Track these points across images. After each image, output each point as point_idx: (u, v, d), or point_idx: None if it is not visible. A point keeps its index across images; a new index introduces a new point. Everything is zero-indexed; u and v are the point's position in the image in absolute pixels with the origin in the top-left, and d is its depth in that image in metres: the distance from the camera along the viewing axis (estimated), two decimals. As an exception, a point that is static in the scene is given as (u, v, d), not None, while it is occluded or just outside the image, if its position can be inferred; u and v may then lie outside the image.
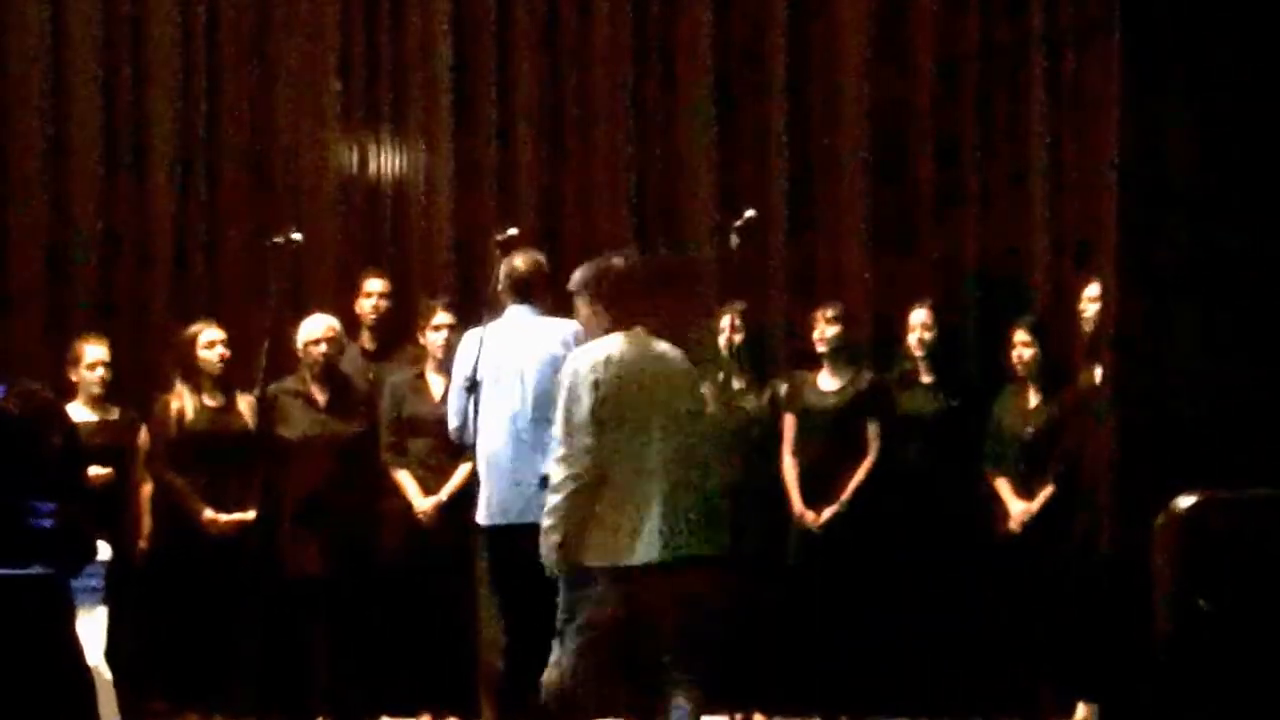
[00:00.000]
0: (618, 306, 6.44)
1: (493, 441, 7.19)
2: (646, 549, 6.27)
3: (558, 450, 6.34)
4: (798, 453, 8.21)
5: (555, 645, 6.40)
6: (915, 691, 8.05)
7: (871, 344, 8.60)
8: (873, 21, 8.94)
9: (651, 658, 6.38)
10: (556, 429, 6.37)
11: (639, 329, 6.45)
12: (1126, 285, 6.13)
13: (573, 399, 6.29)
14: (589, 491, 6.26)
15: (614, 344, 6.36)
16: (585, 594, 6.31)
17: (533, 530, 6.82)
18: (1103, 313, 7.81)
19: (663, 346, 6.49)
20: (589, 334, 6.54)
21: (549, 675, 6.38)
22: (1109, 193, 6.16)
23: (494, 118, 9.20)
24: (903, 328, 8.37)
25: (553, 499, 6.31)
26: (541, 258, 7.45)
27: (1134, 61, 6.00)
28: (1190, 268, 5.91)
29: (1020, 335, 8.14)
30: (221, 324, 8.39)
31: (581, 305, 6.54)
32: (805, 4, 9.07)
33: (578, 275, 6.55)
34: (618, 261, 6.62)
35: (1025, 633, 7.94)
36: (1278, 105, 5.91)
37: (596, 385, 6.27)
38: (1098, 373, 7.84)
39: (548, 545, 6.31)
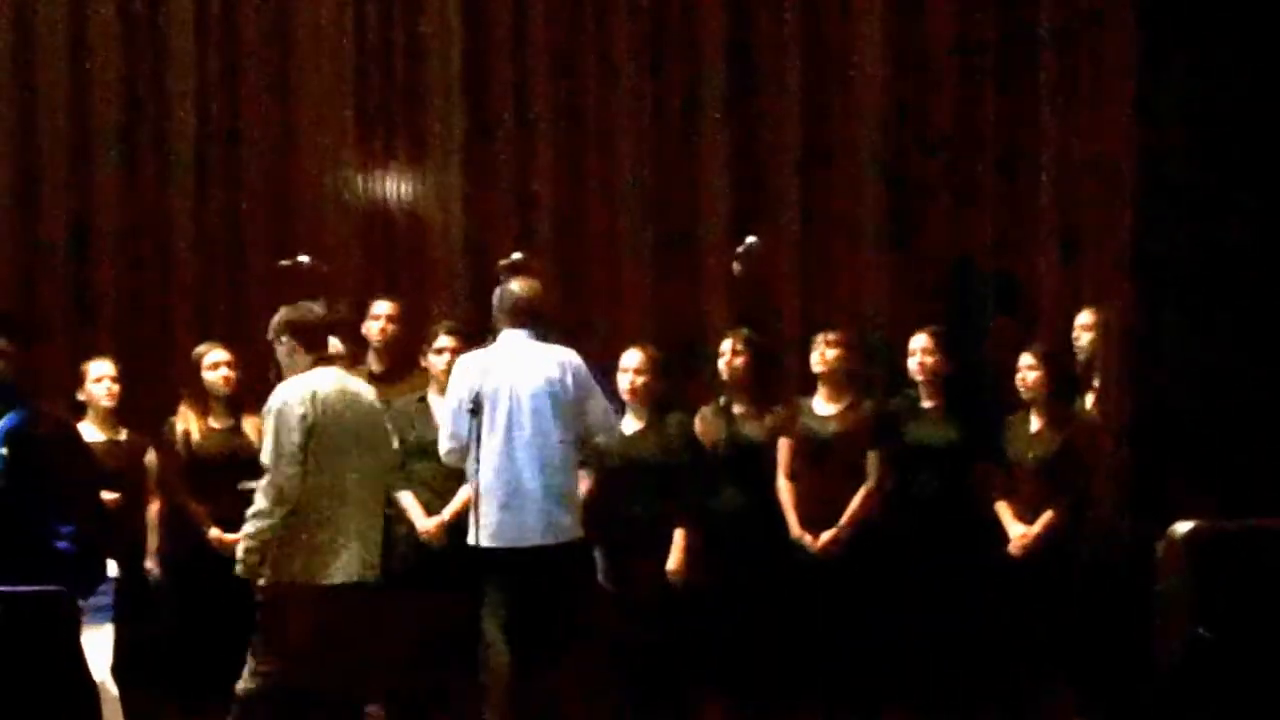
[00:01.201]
0: (317, 348, 7.15)
1: (488, 465, 7.30)
2: (345, 569, 7.00)
3: (265, 476, 6.99)
4: (796, 477, 8.19)
5: (250, 658, 7.06)
6: (916, 708, 8.08)
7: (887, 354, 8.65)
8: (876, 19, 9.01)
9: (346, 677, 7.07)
10: (265, 456, 7.02)
11: (337, 368, 7.24)
12: (1139, 288, 6.20)
13: (282, 430, 6.96)
14: (290, 515, 6.95)
15: (319, 380, 7.08)
16: (282, 612, 6.98)
17: (530, 552, 7.09)
18: (1097, 338, 7.87)
19: (357, 384, 7.31)
20: (286, 372, 7.23)
21: (243, 686, 7.07)
22: (1102, 188, 6.21)
23: (509, 142, 9.29)
24: (904, 352, 8.34)
25: (257, 523, 7.00)
26: (539, 284, 7.58)
27: (1142, 57, 6.05)
28: (1200, 269, 5.97)
29: (1026, 359, 8.11)
30: (236, 346, 8.45)
31: (280, 347, 7.24)
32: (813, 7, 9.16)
33: (276, 319, 7.28)
34: (315, 308, 7.40)
35: (1028, 654, 7.95)
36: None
37: (304, 418, 6.96)
38: (1089, 399, 7.92)
39: (246, 564, 7.03)
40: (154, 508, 8.28)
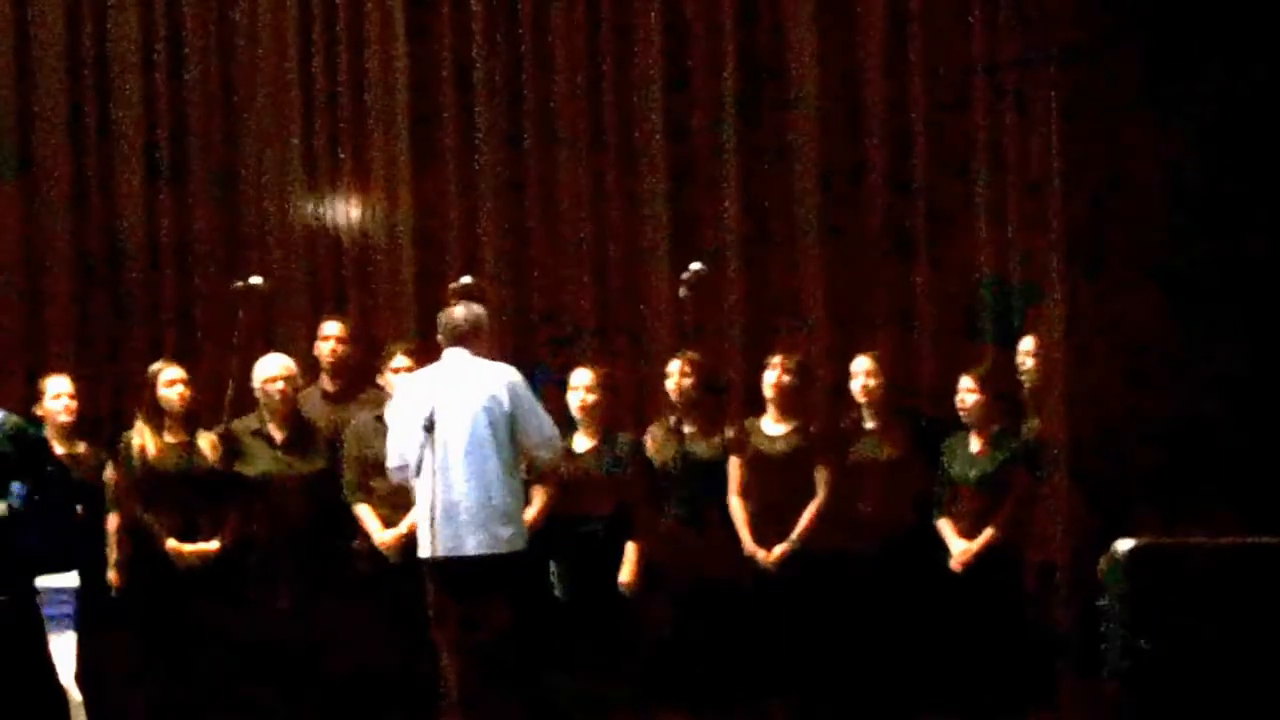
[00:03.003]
0: None
1: (426, 479, 7.47)
2: None
3: None
4: (747, 496, 8.35)
5: None
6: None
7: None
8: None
9: None
10: None
11: None
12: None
13: None
14: None
15: None
16: None
17: (467, 562, 7.19)
18: (1040, 365, 7.99)
19: None
20: None
21: None
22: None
23: (455, 164, 9.42)
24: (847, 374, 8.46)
25: None
26: (480, 310, 7.72)
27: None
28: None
29: (965, 382, 8.27)
30: (189, 365, 8.55)
31: None
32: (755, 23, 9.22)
33: None
34: None
35: (971, 673, 8.03)
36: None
37: None
38: (1037, 423, 8.05)
39: None
40: (113, 520, 8.31)
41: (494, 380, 7.59)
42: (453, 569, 7.46)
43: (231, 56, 9.67)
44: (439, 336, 7.79)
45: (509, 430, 7.54)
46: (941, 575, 8.18)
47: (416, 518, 7.65)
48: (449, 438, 7.47)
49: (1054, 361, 7.69)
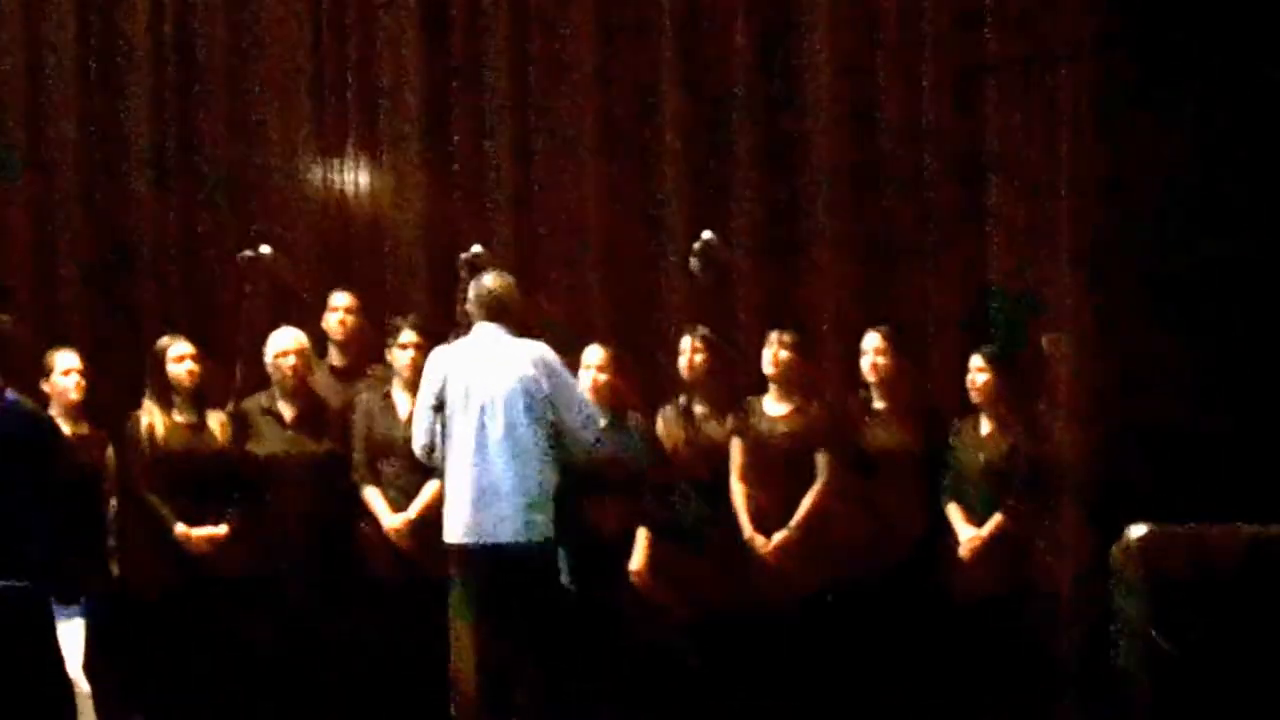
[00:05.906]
0: None
1: (461, 461, 7.29)
2: None
3: None
4: (750, 479, 8.19)
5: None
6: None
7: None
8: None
9: None
10: None
11: None
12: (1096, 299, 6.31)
13: None
14: None
15: None
16: None
17: (499, 550, 7.07)
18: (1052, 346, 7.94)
19: None
20: None
21: None
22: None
23: (465, 138, 9.31)
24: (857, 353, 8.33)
25: None
26: (512, 278, 7.52)
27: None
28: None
29: (975, 362, 8.13)
30: (198, 340, 8.44)
31: None
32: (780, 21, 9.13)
33: None
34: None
35: (979, 667, 7.93)
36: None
37: None
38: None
39: None
40: (113, 505, 8.15)
41: (529, 359, 7.32)
42: (484, 555, 7.31)
43: (243, 23, 9.59)
44: (468, 307, 7.55)
45: (545, 411, 7.37)
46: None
47: (446, 501, 7.43)
48: (486, 419, 7.26)
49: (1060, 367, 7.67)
